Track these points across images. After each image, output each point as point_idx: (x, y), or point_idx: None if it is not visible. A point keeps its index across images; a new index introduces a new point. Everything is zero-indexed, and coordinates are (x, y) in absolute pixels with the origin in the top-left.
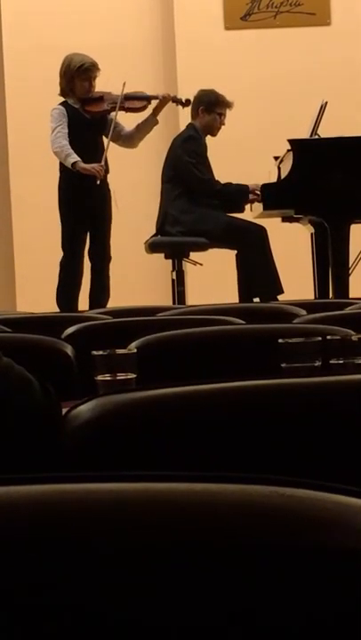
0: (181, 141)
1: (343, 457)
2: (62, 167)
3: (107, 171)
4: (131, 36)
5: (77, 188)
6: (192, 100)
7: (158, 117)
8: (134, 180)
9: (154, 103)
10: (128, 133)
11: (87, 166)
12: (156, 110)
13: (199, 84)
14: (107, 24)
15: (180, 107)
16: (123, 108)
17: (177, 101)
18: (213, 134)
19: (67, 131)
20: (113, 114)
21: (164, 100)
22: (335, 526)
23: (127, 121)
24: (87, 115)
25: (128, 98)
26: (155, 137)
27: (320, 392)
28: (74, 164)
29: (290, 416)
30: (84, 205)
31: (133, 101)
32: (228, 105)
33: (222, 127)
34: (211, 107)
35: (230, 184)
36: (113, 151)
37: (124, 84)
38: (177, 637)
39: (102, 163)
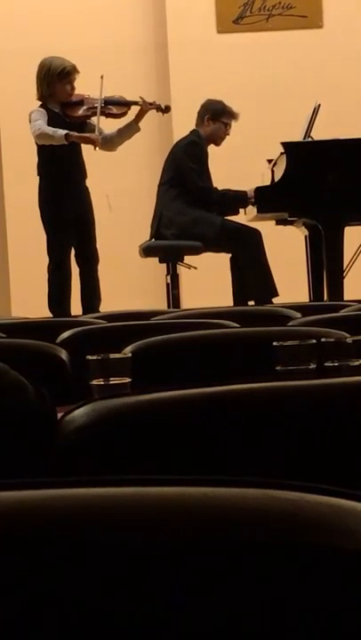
0: (185, 145)
1: (338, 459)
2: (41, 175)
3: (85, 174)
4: (123, 39)
5: (57, 195)
6: (199, 107)
7: (145, 121)
8: (128, 184)
9: (134, 109)
10: (108, 136)
11: (82, 135)
12: (138, 117)
13: (192, 87)
14: (99, 27)
15: (160, 113)
16: (103, 113)
17: (156, 107)
18: (217, 144)
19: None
20: (94, 118)
21: (144, 107)
22: (330, 528)
23: (108, 126)
24: (67, 119)
25: (108, 102)
26: (149, 141)
27: (315, 395)
28: (66, 135)
29: (285, 419)
30: (66, 212)
31: (113, 107)
32: (234, 116)
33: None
34: (217, 116)
35: (229, 191)
36: (106, 156)
37: (102, 77)
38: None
39: (97, 133)
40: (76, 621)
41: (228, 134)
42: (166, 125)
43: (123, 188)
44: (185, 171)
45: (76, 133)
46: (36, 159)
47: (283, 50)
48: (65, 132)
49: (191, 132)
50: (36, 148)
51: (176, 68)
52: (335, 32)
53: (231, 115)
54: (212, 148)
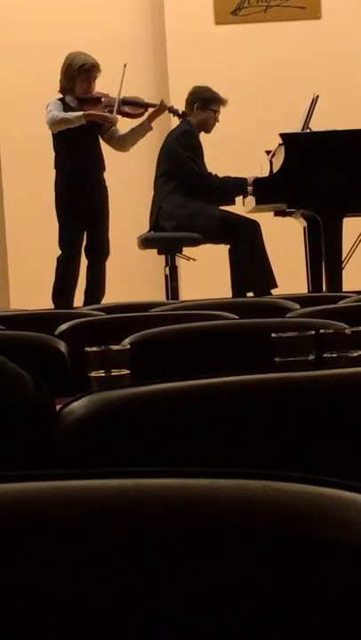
0: (178, 135)
1: (337, 451)
2: (57, 169)
3: (103, 168)
4: (121, 32)
5: (73, 186)
6: (187, 95)
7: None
8: (126, 176)
9: (150, 110)
10: (121, 136)
11: (99, 113)
12: (152, 117)
13: (190, 78)
14: (97, 20)
15: (175, 117)
16: (119, 112)
17: (173, 112)
18: (208, 131)
19: None
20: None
21: (160, 109)
22: (329, 520)
23: (121, 125)
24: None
25: (126, 102)
26: (149, 135)
27: (314, 386)
28: (81, 116)
29: (284, 410)
30: (80, 203)
31: (131, 107)
32: (222, 102)
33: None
34: (206, 104)
35: (229, 178)
36: (104, 148)
37: (125, 65)
38: (170, 634)
39: (115, 114)
40: (74, 614)
41: (217, 121)
42: (165, 118)
43: (121, 179)
44: (181, 160)
45: (91, 112)
46: (36, 153)
47: (281, 41)
48: (79, 114)
49: (181, 122)
50: (52, 139)
51: (174, 60)
52: (333, 23)
53: (220, 101)
54: (211, 139)
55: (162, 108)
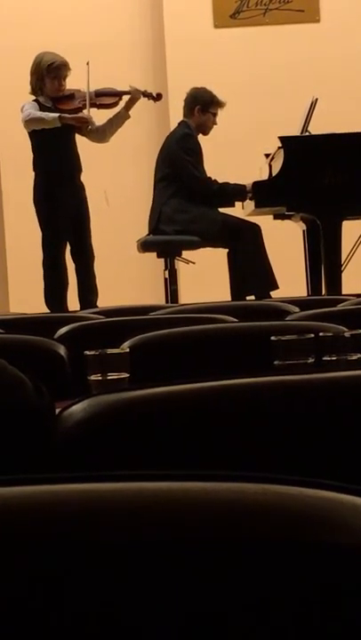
0: (178, 139)
1: (337, 454)
2: (36, 170)
3: (79, 168)
4: (120, 35)
5: (53, 191)
6: (185, 96)
7: (142, 113)
8: (125, 179)
9: (125, 98)
10: (100, 128)
11: (74, 115)
12: (128, 105)
13: (189, 82)
14: (96, 22)
15: (151, 101)
16: (94, 105)
17: (148, 96)
18: (206, 133)
19: None
20: (85, 111)
21: (135, 95)
22: (330, 523)
23: (99, 117)
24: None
25: (99, 94)
26: (147, 136)
27: (313, 389)
28: (59, 117)
29: (283, 413)
30: (60, 207)
31: (105, 98)
32: (221, 105)
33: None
34: (207, 107)
35: (228, 184)
36: (104, 150)
37: (88, 63)
38: (170, 635)
39: (87, 113)
40: (74, 616)
41: (215, 124)
42: (164, 121)
43: (120, 183)
44: (181, 164)
45: (67, 115)
46: (30, 155)
47: (280, 44)
48: (56, 115)
49: (180, 124)
50: (30, 143)
51: (173, 63)
52: (332, 26)
53: (218, 104)
54: (210, 142)
55: (135, 94)
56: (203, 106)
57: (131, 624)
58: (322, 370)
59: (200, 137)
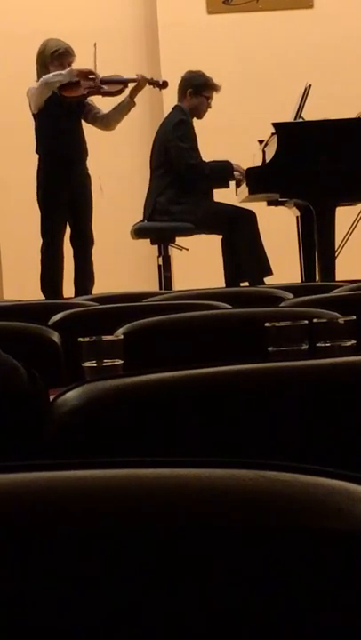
0: (173, 127)
1: (331, 440)
2: (40, 154)
3: (86, 154)
4: (114, 21)
5: (55, 176)
6: (180, 80)
7: (136, 99)
8: (120, 166)
9: (131, 86)
10: (105, 115)
11: (82, 69)
12: (133, 93)
13: (182, 68)
14: (89, 9)
15: (157, 89)
16: (100, 93)
17: (154, 83)
18: (200, 117)
19: None
20: (90, 98)
21: (141, 83)
22: (323, 509)
23: (105, 104)
24: (64, 99)
25: (105, 82)
26: (140, 122)
27: (307, 375)
28: (71, 71)
29: (277, 400)
30: (62, 192)
31: (110, 85)
32: (215, 88)
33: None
34: (199, 90)
35: (215, 162)
36: (97, 136)
37: (95, 45)
38: (170, 622)
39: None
40: (70, 605)
41: (209, 107)
42: (158, 107)
43: (114, 169)
44: (176, 152)
45: (78, 69)
46: (26, 141)
47: (273, 30)
48: (65, 70)
49: (174, 108)
50: (34, 124)
51: (167, 50)
52: (325, 12)
53: (213, 87)
54: (203, 129)
55: (142, 82)
56: (195, 89)
57: (124, 611)
58: (316, 356)
59: (195, 121)
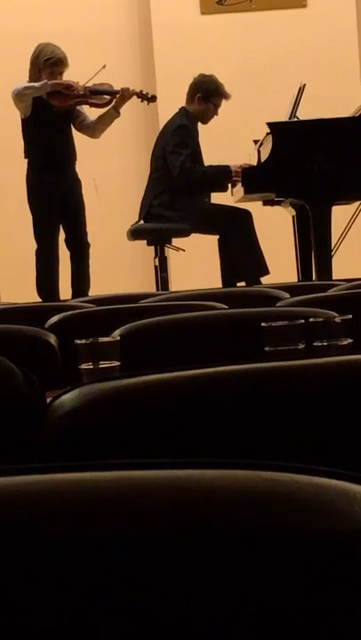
0: (173, 130)
1: (328, 439)
2: (28, 159)
3: (74, 158)
4: (107, 22)
5: (44, 180)
6: (191, 82)
7: (133, 101)
8: (116, 167)
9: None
10: (90, 124)
11: (60, 81)
12: (118, 105)
13: (176, 69)
14: (83, 9)
15: (145, 102)
16: (87, 103)
17: (142, 97)
18: (204, 122)
19: None
20: (78, 108)
21: (126, 96)
22: (319, 510)
23: (92, 111)
24: (53, 108)
25: (94, 92)
26: (135, 124)
27: (304, 375)
28: (46, 84)
29: (274, 399)
30: (52, 196)
31: (99, 96)
32: (225, 96)
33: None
34: (208, 96)
35: (211, 167)
36: (93, 139)
37: (104, 66)
38: (170, 621)
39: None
40: (65, 608)
41: (216, 114)
42: (152, 109)
43: (109, 170)
44: (170, 157)
45: (55, 81)
46: (20, 144)
47: (267, 30)
48: (44, 80)
49: (179, 111)
50: (21, 129)
51: (160, 51)
52: (319, 11)
53: (223, 95)
54: (199, 129)
55: (126, 95)
56: (204, 94)
57: (122, 613)
58: (313, 355)
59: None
